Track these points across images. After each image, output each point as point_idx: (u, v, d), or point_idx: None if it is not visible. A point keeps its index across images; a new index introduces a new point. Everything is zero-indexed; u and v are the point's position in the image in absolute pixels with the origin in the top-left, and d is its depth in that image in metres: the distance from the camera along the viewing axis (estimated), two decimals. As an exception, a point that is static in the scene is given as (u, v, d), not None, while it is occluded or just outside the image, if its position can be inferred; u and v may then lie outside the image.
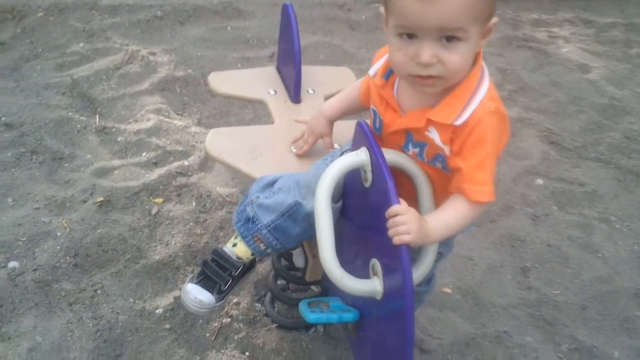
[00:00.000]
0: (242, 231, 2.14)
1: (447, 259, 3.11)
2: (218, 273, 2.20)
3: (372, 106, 2.00)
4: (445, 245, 2.15)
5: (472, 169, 1.74)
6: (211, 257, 2.23)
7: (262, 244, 2.12)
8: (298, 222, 2.05)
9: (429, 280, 2.38)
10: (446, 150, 1.79)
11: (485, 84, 1.77)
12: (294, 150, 2.41)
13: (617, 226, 3.66)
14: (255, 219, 2.10)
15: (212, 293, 2.19)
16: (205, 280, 2.21)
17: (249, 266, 2.26)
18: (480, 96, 1.74)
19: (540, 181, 3.94)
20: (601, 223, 3.67)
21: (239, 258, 2.21)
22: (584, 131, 4.50)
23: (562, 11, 6.31)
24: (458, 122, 1.72)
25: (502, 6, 6.16)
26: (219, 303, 2.21)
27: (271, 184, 2.14)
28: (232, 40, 5.02)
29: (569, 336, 2.93)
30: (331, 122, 2.36)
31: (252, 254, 2.20)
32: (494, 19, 1.71)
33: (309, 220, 1.91)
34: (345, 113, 2.34)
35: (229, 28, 5.17)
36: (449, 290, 3.09)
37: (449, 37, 1.64)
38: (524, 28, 5.90)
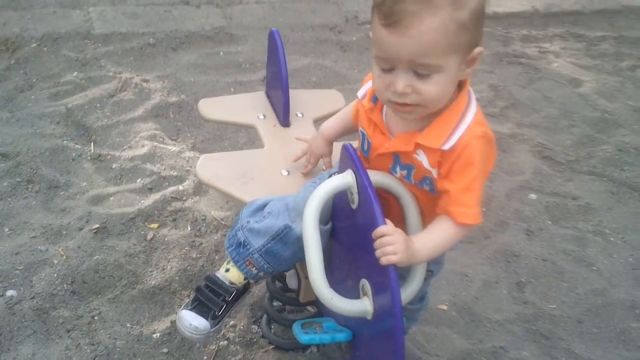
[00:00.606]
0: (234, 256, 2.16)
1: (442, 276, 3.15)
2: (212, 299, 2.22)
3: (360, 128, 2.03)
4: (436, 263, 2.17)
5: (459, 192, 1.76)
6: (204, 283, 2.25)
7: (254, 268, 2.14)
8: (288, 245, 2.07)
9: (421, 298, 2.41)
10: (434, 173, 1.82)
11: (473, 109, 1.80)
12: (285, 174, 2.44)
13: (612, 239, 3.68)
14: (246, 244, 2.12)
15: (206, 319, 2.20)
16: (200, 306, 2.22)
17: (243, 290, 2.28)
18: (468, 121, 1.77)
19: (533, 196, 3.96)
20: (595, 236, 3.69)
21: (231, 283, 2.22)
22: (576, 145, 4.52)
23: (552, 26, 6.34)
24: (446, 147, 1.76)
25: (492, 23, 6.19)
26: (214, 328, 2.23)
27: (261, 207, 2.16)
28: (225, 65, 5.06)
29: (565, 350, 2.95)
30: (330, 142, 2.40)
31: (245, 278, 2.22)
32: (478, 49, 1.73)
33: (299, 243, 1.93)
34: (343, 133, 2.37)
35: (221, 53, 5.20)
36: (445, 307, 3.10)
37: (422, 69, 1.67)
38: (514, 44, 5.93)
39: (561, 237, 3.64)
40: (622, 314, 3.17)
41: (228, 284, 2.22)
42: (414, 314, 2.49)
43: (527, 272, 3.38)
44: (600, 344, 3.01)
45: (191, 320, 2.19)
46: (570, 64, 5.67)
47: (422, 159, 1.83)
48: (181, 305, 2.42)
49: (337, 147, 2.37)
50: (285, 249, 2.09)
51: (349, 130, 2.34)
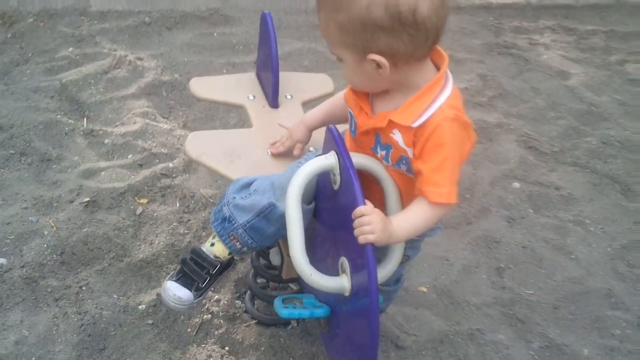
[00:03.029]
0: (219, 230, 2.21)
1: (424, 259, 3.21)
2: (196, 271, 2.28)
3: (349, 109, 2.10)
4: (413, 248, 2.23)
5: (432, 171, 1.82)
6: (190, 255, 2.31)
7: (238, 243, 2.20)
8: (272, 222, 2.13)
9: (397, 280, 2.48)
10: (409, 152, 1.88)
11: (447, 92, 1.85)
12: (270, 153, 2.50)
13: (592, 229, 3.73)
14: (231, 219, 2.17)
15: (190, 290, 2.27)
16: (184, 278, 2.29)
17: (226, 265, 2.34)
18: (440, 102, 1.82)
19: (517, 185, 4.00)
20: (576, 226, 3.73)
21: (216, 257, 2.28)
22: (561, 136, 4.56)
23: (544, 19, 6.37)
24: (415, 124, 1.82)
25: (484, 13, 6.24)
26: (197, 300, 2.30)
27: (247, 185, 2.22)
28: (218, 46, 5.09)
29: (540, 334, 3.00)
30: (310, 130, 2.46)
31: (230, 253, 2.28)
32: (374, 56, 1.78)
33: (283, 221, 1.98)
34: (325, 123, 2.39)
35: (215, 34, 5.24)
36: (424, 289, 3.16)
37: (334, 55, 1.91)
38: (505, 35, 5.96)
39: (542, 226, 3.69)
40: (598, 302, 3.22)
41: (213, 258, 2.28)
42: (390, 295, 2.56)
43: (506, 258, 3.43)
44: (574, 330, 3.06)
45: (175, 291, 2.26)
46: (559, 56, 5.70)
47: (398, 138, 1.89)
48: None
49: (319, 132, 2.43)
50: (269, 226, 2.14)
51: (331, 120, 2.36)
